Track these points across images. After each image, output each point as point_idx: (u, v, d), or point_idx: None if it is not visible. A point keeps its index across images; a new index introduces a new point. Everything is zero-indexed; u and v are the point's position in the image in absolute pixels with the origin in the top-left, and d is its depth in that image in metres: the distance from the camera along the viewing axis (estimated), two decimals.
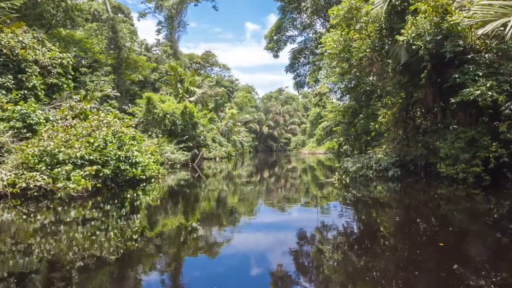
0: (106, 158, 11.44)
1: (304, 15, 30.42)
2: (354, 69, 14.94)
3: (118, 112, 28.87)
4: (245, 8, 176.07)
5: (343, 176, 12.91)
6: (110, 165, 11.31)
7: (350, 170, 12.58)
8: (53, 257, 5.34)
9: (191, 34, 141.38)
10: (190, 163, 27.02)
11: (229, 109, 56.40)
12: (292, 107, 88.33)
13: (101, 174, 10.97)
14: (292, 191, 12.99)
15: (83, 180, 9.91)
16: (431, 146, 13.87)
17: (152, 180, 14.08)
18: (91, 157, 10.89)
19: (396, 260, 5.14)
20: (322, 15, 27.54)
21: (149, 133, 28.47)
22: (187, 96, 32.62)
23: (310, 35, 31.94)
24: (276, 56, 34.82)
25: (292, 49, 33.82)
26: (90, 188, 10.20)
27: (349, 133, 34.28)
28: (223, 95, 61.91)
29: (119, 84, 33.89)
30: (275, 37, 33.38)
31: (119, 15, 47.36)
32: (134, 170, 12.53)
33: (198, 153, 28.31)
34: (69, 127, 11.75)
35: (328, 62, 20.02)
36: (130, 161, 11.63)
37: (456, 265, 4.66)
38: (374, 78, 14.48)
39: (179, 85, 33.11)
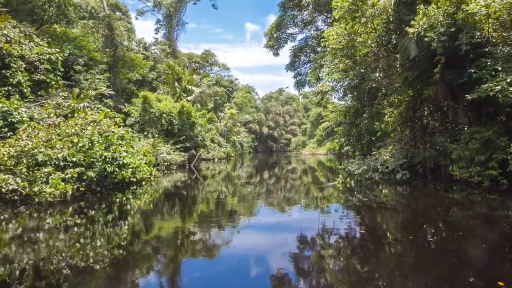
0: (92, 159, 10.56)
1: (305, 12, 29.54)
2: (358, 66, 14.06)
3: (111, 110, 28.06)
4: (245, 8, 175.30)
5: (347, 179, 12.03)
6: (96, 167, 10.42)
7: (355, 172, 11.69)
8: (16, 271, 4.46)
9: (191, 35, 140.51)
10: (187, 164, 26.14)
11: (228, 109, 55.55)
12: (292, 107, 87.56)
13: (85, 177, 10.09)
14: (293, 196, 12.10)
15: (62, 183, 9.02)
16: (440, 147, 13.01)
17: (143, 182, 13.20)
18: (74, 159, 10.01)
19: (409, 276, 4.30)
20: (324, 11, 26.66)
21: (145, 133, 27.64)
22: (185, 95, 31.75)
23: (312, 32, 31.05)
24: (276, 54, 33.92)
25: (293, 46, 32.88)
26: (70, 192, 9.31)
27: (351, 134, 33.41)
28: (223, 95, 61.05)
29: (115, 83, 33.10)
30: (275, 35, 32.42)
31: (116, 13, 46.51)
32: (123, 172, 11.66)
33: (195, 153, 27.42)
34: (52, 126, 10.86)
35: (331, 59, 19.17)
36: (117, 162, 10.74)
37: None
38: (380, 75, 13.60)
39: (176, 84, 32.24)
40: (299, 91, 34.53)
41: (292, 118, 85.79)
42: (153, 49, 52.31)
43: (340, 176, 12.15)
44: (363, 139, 32.67)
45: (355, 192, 11.42)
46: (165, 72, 36.74)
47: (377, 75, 13.69)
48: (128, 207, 9.59)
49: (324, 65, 20.15)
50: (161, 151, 23.83)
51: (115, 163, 10.75)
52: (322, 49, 25.71)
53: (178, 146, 26.63)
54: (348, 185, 11.82)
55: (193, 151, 27.68)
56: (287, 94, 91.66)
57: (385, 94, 14.72)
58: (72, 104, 13.70)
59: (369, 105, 19.41)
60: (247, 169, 27.18)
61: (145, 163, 14.23)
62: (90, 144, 10.99)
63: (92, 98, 26.27)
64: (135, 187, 12.70)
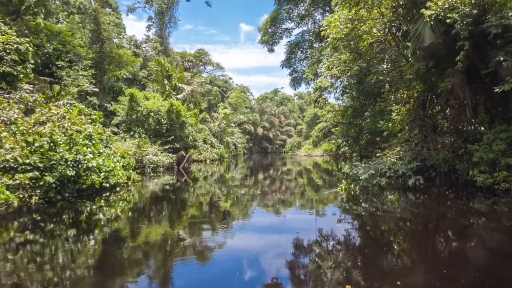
0: (53, 162, 8.88)
1: (302, 5, 27.99)
2: (362, 58, 12.54)
3: (96, 109, 26.36)
4: (239, 9, 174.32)
5: (352, 185, 10.47)
6: (56, 171, 8.75)
7: (361, 177, 10.14)
8: None
9: (186, 35, 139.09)
10: (176, 166, 24.45)
11: (222, 109, 53.93)
12: (288, 108, 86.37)
13: (41, 183, 8.41)
14: (290, 209, 10.52)
15: (7, 192, 7.33)
16: (456, 148, 11.54)
17: (118, 188, 11.53)
18: (29, 161, 8.33)
19: None
20: (322, 4, 25.14)
21: (131, 133, 25.93)
22: (175, 93, 30.06)
23: (309, 25, 29.44)
24: (271, 50, 32.26)
25: (289, 41, 31.30)
26: (16, 203, 7.62)
27: (349, 135, 32.01)
28: (216, 95, 59.42)
29: (101, 80, 31.34)
30: (269, 30, 30.78)
31: (106, 9, 44.74)
32: (92, 177, 10.00)
33: (185, 155, 25.73)
34: (6, 122, 9.17)
35: (330, 53, 17.65)
36: (80, 166, 9.04)
37: None
38: (389, 66, 12.10)
39: (166, 82, 30.55)
40: (295, 89, 32.95)
41: (287, 119, 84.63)
42: (145, 47, 50.56)
43: (343, 181, 10.61)
44: (361, 140, 31.30)
45: (361, 202, 9.86)
46: (155, 69, 35.03)
47: (386, 66, 12.16)
48: (93, 219, 7.94)
49: (323, 60, 18.64)
50: (147, 152, 22.14)
51: (80, 167, 9.05)
52: (321, 44, 24.23)
53: (167, 147, 24.97)
54: (352, 192, 10.28)
55: (182, 152, 25.99)
56: (283, 95, 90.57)
57: (392, 90, 13.22)
58: (40, 99, 11.97)
59: (372, 103, 17.94)
60: (241, 171, 25.53)
61: (122, 166, 12.57)
62: (52, 144, 9.32)
63: (75, 96, 24.58)
64: (108, 193, 11.04)
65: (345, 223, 7.71)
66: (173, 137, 25.82)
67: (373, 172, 10.21)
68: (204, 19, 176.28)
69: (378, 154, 13.58)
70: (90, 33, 32.00)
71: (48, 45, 26.06)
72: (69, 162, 8.74)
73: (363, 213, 8.53)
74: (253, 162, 40.26)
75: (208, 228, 7.30)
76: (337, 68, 16.14)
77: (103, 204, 9.74)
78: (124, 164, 12.93)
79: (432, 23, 9.22)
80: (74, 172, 8.79)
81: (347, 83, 16.16)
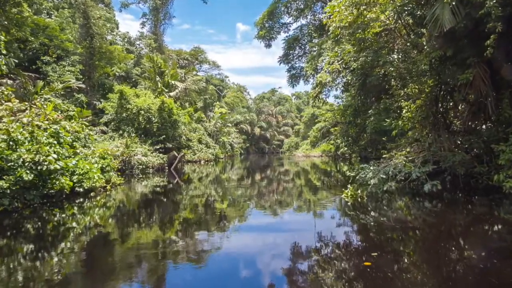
0: (10, 163, 7.54)
1: None
2: (369, 48, 11.27)
3: (83, 106, 24.99)
4: (237, 8, 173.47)
5: (358, 191, 9.17)
6: (13, 174, 7.40)
7: (370, 182, 8.85)
8: None
9: (184, 35, 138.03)
10: (167, 167, 23.09)
11: (218, 109, 52.63)
12: (285, 108, 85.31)
13: None
14: (289, 223, 9.24)
15: None
16: (476, 149, 10.31)
17: (92, 194, 10.17)
18: None
19: None
20: None
21: (121, 132, 24.54)
22: (167, 90, 28.68)
23: (308, 18, 28.05)
24: (268, 45, 30.81)
25: (287, 36, 29.90)
26: None
27: (349, 135, 30.83)
28: (212, 94, 58.08)
29: (90, 77, 29.91)
30: (266, 25, 29.40)
31: (99, 5, 43.36)
32: (61, 180, 8.66)
33: (177, 155, 24.37)
34: None
35: (331, 46, 16.38)
36: (41, 168, 7.67)
37: None
38: (400, 56, 10.83)
39: (158, 78, 29.16)
40: (293, 86, 31.54)
41: (285, 118, 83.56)
42: (139, 44, 49.18)
43: (349, 186, 9.33)
44: (361, 140, 30.14)
45: (371, 211, 8.60)
46: (147, 66, 33.64)
47: (397, 56, 10.88)
48: (53, 233, 6.62)
49: (324, 53, 17.35)
50: (136, 152, 20.77)
51: (40, 169, 7.69)
52: (321, 37, 22.96)
53: (158, 147, 23.59)
54: (359, 199, 8.99)
55: (174, 152, 24.63)
56: (280, 94, 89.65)
57: (400, 84, 11.96)
58: (6, 92, 10.59)
59: (376, 100, 16.71)
60: (237, 172, 24.21)
61: (101, 167, 11.23)
62: (12, 142, 7.98)
63: (61, 92, 23.22)
64: (82, 199, 9.71)
65: (360, 245, 6.42)
66: (164, 136, 24.46)
67: (383, 176, 8.93)
68: (202, 19, 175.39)
69: (384, 155, 12.34)
70: (80, 28, 30.64)
71: (32, 38, 24.64)
72: (26, 164, 7.39)
73: (380, 227, 7.24)
74: (250, 163, 38.98)
75: (193, 252, 5.98)
76: (339, 62, 14.88)
77: (73, 212, 8.43)
78: (104, 166, 11.58)
79: (454, 3, 7.96)
80: (33, 175, 7.43)
81: (349, 78, 14.89)
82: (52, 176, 8.00)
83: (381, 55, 10.59)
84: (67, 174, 8.81)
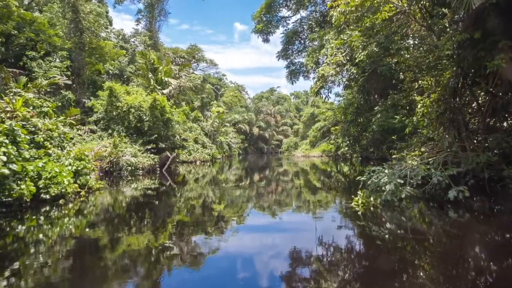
0: None
1: None
2: (380, 34, 9.95)
3: (71, 104, 23.64)
4: (234, 7, 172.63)
5: (371, 199, 7.83)
6: None
7: (386, 188, 7.50)
8: None
9: (183, 35, 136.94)
10: (159, 168, 21.73)
11: (215, 108, 51.23)
12: (284, 107, 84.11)
13: None
14: (291, 249, 7.90)
15: None
16: (503, 149, 9.00)
17: (60, 201, 8.79)
18: None
19: None
20: None
21: (110, 131, 23.16)
22: (160, 88, 27.31)
23: (308, 10, 26.67)
24: (266, 40, 29.41)
25: (286, 30, 28.53)
26: None
27: (350, 134, 29.54)
28: (210, 93, 56.77)
29: (79, 74, 28.48)
30: (264, 18, 28.05)
31: (92, 0, 41.92)
32: (20, 186, 7.31)
33: (169, 155, 23.00)
34: None
35: (334, 36, 15.03)
36: None
37: None
38: (416, 42, 9.51)
39: (150, 75, 27.78)
40: (292, 83, 30.15)
41: (283, 118, 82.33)
42: (133, 41, 47.82)
43: (359, 193, 8.01)
44: (363, 139, 28.83)
45: (388, 223, 7.27)
46: (140, 63, 32.27)
47: (411, 42, 9.57)
48: (4, 249, 5.27)
49: (326, 45, 16.01)
50: (124, 152, 19.40)
51: None
52: (323, 27, 21.62)
53: (149, 147, 22.21)
54: (372, 208, 7.66)
55: (167, 153, 23.25)
56: (279, 94, 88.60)
57: (414, 76, 10.63)
58: None
59: (380, 97, 15.39)
60: (235, 172, 22.88)
61: (75, 170, 9.86)
62: None
63: (47, 89, 21.83)
64: (48, 208, 8.34)
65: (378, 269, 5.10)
66: (156, 136, 23.07)
67: (400, 181, 7.59)
68: (200, 19, 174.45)
69: (394, 156, 11.04)
70: (70, 22, 29.24)
71: (16, 32, 23.24)
72: None
73: (409, 249, 5.91)
74: (248, 163, 37.66)
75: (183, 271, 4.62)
76: (343, 54, 13.57)
77: (33, 224, 7.05)
78: (79, 168, 10.21)
79: None
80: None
81: (354, 71, 13.57)
82: (4, 182, 6.63)
83: (394, 41, 9.26)
84: (26, 179, 7.44)
